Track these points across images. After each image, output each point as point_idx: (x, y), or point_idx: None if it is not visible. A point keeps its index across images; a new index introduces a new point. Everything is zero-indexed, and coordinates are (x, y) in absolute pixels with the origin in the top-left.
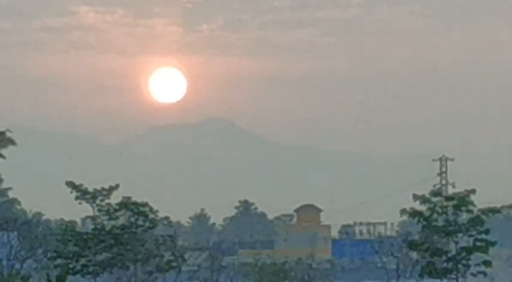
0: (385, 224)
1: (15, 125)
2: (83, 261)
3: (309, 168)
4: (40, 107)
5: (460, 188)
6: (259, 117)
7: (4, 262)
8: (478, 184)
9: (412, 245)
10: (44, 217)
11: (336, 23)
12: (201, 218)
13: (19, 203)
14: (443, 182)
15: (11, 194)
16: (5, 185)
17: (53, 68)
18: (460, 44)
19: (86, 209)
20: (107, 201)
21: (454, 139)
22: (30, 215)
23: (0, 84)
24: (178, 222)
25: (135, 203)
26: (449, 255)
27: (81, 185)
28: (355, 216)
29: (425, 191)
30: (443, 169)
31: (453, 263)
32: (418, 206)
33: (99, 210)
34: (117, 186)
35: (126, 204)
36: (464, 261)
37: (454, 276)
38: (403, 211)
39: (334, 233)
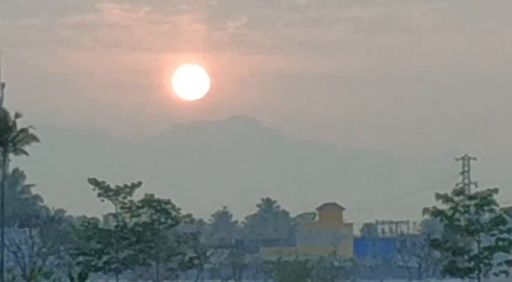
0: (407, 222)
1: (40, 122)
2: (105, 258)
3: (332, 167)
4: (64, 104)
5: (482, 188)
6: (283, 115)
7: (26, 258)
8: (500, 183)
9: (435, 244)
10: (67, 214)
11: (362, 21)
12: (223, 216)
13: (42, 200)
14: (466, 181)
15: (33, 191)
16: (28, 182)
17: (77, 65)
18: (485, 42)
19: (109, 206)
20: (129, 198)
21: (477, 138)
22: (52, 212)
23: (26, 81)
24: (201, 220)
25: (157, 201)
26: (471, 254)
27: (103, 182)
28: (377, 214)
29: (448, 190)
30: (466, 168)
31: (475, 262)
32: (441, 205)
33: (121, 208)
34: (139, 183)
35: (149, 201)
36: (486, 261)
37: (476, 276)
38: (425, 210)
39: (357, 232)
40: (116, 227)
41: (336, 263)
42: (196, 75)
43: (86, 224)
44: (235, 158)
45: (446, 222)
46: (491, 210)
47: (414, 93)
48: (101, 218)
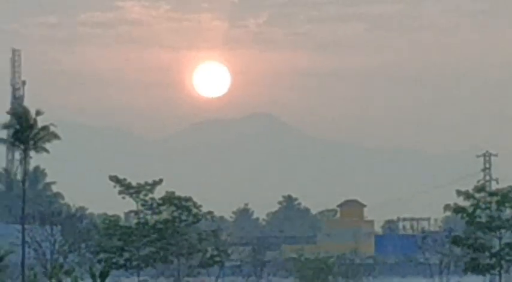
0: (428, 219)
1: (60, 119)
2: (126, 255)
3: (353, 164)
4: (84, 101)
5: (503, 184)
6: (304, 113)
7: (47, 256)
8: None
9: (456, 241)
10: (88, 211)
11: (382, 18)
12: (244, 213)
13: (63, 197)
14: (487, 177)
15: (54, 188)
16: (49, 179)
17: (98, 62)
18: (504, 41)
19: (130, 204)
20: (150, 195)
21: (498, 135)
22: (73, 209)
23: (46, 79)
24: (222, 217)
25: (178, 198)
26: (492, 251)
27: (124, 179)
28: (398, 211)
29: (469, 187)
30: (487, 165)
31: (497, 259)
32: (462, 202)
33: (142, 205)
34: (160, 180)
35: (170, 198)
36: (508, 257)
37: (498, 272)
38: (446, 207)
39: (378, 229)
40: (137, 224)
41: (357, 260)
42: (217, 72)
43: (107, 221)
44: (256, 155)
45: (468, 218)
46: None
47: (435, 90)
48: (122, 216)
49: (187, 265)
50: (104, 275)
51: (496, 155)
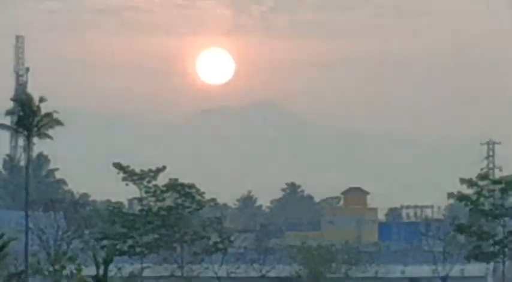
0: (432, 207)
1: (63, 106)
2: (129, 242)
3: (356, 152)
4: (88, 88)
5: (507, 172)
6: (308, 100)
7: (51, 242)
8: None
9: (459, 229)
10: (91, 198)
11: (389, 5)
12: (247, 200)
13: (66, 184)
14: (491, 165)
15: (58, 175)
16: (52, 166)
17: (102, 49)
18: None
19: (133, 190)
20: (153, 182)
21: (501, 122)
22: (77, 196)
23: (49, 65)
24: (225, 204)
25: (182, 185)
26: (496, 238)
27: (128, 166)
28: (402, 199)
29: (473, 175)
30: (491, 153)
31: (500, 247)
32: (465, 190)
33: (146, 192)
34: (164, 167)
35: (173, 185)
36: (511, 245)
37: (501, 260)
38: (450, 194)
39: (381, 216)
40: (141, 211)
41: (361, 247)
42: (221, 59)
43: (110, 208)
44: (260, 142)
45: (471, 206)
46: None
47: (439, 77)
48: (125, 202)
49: (191, 252)
50: (107, 261)
51: (499, 143)
